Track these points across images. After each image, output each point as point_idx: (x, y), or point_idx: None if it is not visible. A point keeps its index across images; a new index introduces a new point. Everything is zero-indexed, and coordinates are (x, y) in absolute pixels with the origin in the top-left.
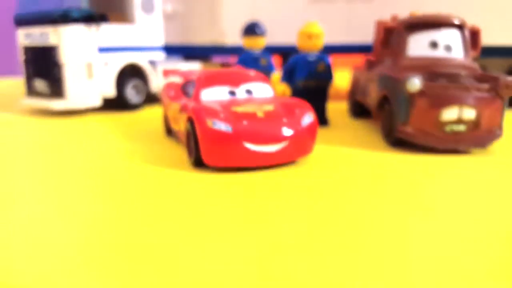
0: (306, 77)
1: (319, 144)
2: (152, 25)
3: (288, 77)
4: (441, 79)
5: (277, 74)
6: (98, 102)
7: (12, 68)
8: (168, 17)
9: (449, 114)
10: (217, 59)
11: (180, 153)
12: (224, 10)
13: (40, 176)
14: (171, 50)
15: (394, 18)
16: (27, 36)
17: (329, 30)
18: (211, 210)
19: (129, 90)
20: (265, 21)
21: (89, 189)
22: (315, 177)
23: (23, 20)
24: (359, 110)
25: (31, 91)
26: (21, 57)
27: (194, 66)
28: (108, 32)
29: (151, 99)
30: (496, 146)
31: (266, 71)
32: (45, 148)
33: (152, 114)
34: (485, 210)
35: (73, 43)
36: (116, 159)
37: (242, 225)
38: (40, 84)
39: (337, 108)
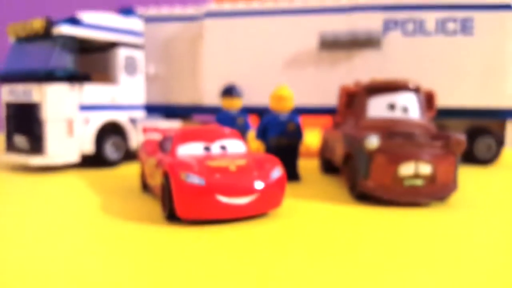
0: (278, 135)
1: (289, 198)
2: (134, 86)
3: (261, 135)
4: (398, 137)
5: (252, 132)
6: (76, 159)
7: None
8: (151, 79)
9: (406, 169)
10: (198, 118)
11: (155, 207)
12: (204, 73)
13: (13, 232)
14: (153, 109)
15: (357, 83)
16: (11, 92)
17: (300, 93)
18: (183, 264)
19: (108, 147)
20: (243, 84)
21: (63, 244)
22: (284, 229)
23: (8, 77)
24: (329, 166)
25: (11, 147)
26: (3, 113)
27: (174, 124)
28: (90, 91)
29: (130, 156)
30: (453, 198)
31: (242, 130)
32: (21, 204)
33: (130, 171)
34: (445, 260)
35: (56, 101)
36: (91, 214)
37: (215, 278)
38: (20, 140)
39: (309, 165)
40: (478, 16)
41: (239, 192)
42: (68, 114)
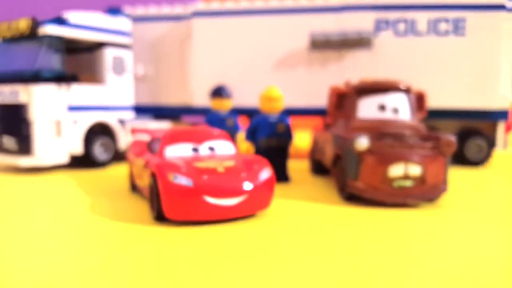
0: (268, 136)
1: (278, 199)
2: (122, 86)
3: (251, 136)
4: (388, 138)
5: (242, 134)
6: (65, 159)
7: None
8: (140, 79)
9: (396, 170)
10: (187, 119)
11: (143, 208)
12: (193, 74)
13: (1, 232)
14: (141, 110)
15: (347, 84)
16: None
17: (290, 94)
18: (171, 264)
19: (97, 148)
20: (232, 84)
21: (52, 244)
22: (272, 230)
23: None
24: (318, 168)
25: None
26: None
27: (163, 125)
28: (78, 92)
29: (119, 156)
30: (443, 200)
31: (232, 131)
32: (10, 205)
33: (118, 171)
34: (433, 261)
35: (43, 102)
36: (80, 215)
37: (202, 278)
38: (8, 141)
39: (299, 166)
40: (471, 16)
41: (227, 193)
42: (56, 115)
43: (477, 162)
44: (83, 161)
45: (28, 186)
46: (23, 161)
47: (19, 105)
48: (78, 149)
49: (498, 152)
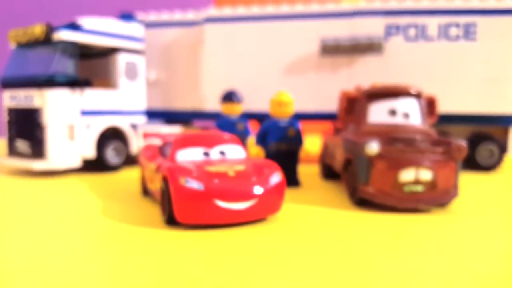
0: (278, 141)
1: (289, 203)
2: (135, 91)
3: (261, 140)
4: (398, 143)
5: (252, 138)
6: (78, 163)
7: None
8: (152, 84)
9: (407, 175)
10: (198, 124)
11: (155, 212)
12: (205, 79)
13: (15, 235)
14: (153, 115)
15: (357, 88)
16: (12, 98)
17: (300, 99)
18: (182, 268)
19: (109, 152)
20: (243, 89)
21: (64, 247)
22: (283, 234)
23: (9, 83)
24: (329, 172)
25: (13, 152)
26: (5, 118)
27: (175, 130)
28: (91, 97)
29: (131, 160)
30: (454, 205)
31: (242, 135)
32: (23, 208)
33: (130, 175)
34: (445, 266)
35: (57, 106)
36: (92, 218)
37: (213, 282)
38: (21, 145)
39: (309, 171)
40: (482, 21)
41: (238, 197)
42: (69, 119)
43: (489, 167)
44: (95, 165)
45: (41, 189)
46: (37, 164)
47: (33, 109)
48: (90, 153)
49: (510, 157)
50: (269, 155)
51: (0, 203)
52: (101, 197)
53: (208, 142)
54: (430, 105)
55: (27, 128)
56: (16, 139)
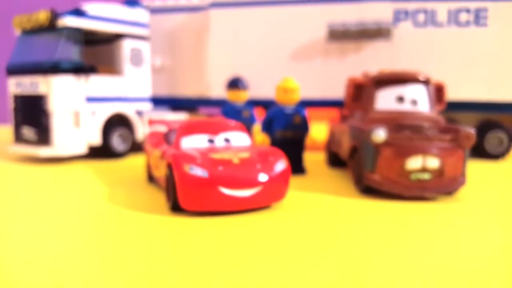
0: (284, 128)
1: (294, 191)
2: (140, 77)
3: (267, 128)
4: (406, 130)
5: (258, 125)
6: (83, 150)
7: (3, 116)
8: (157, 71)
9: (414, 163)
10: (204, 110)
11: (159, 198)
12: (210, 65)
13: (21, 222)
14: (159, 101)
15: (365, 75)
16: (18, 85)
17: (306, 85)
18: (186, 254)
19: (115, 139)
20: (249, 76)
21: (70, 233)
22: (287, 222)
23: (15, 70)
24: (335, 160)
25: (19, 138)
26: (11, 105)
27: (180, 117)
28: (96, 83)
29: (136, 147)
30: (461, 193)
31: (248, 123)
32: (29, 194)
33: (136, 162)
34: (452, 254)
35: (62, 93)
36: (98, 204)
37: (218, 268)
38: (28, 132)
39: (315, 159)
40: (492, 7)
41: (242, 184)
42: (75, 106)
43: (497, 155)
44: (101, 152)
45: (47, 176)
46: (43, 151)
47: (39, 96)
48: (96, 139)
49: None
50: (275, 143)
51: (6, 190)
52: (106, 183)
53: (213, 129)
54: (438, 92)
55: (33, 115)
56: (22, 126)
